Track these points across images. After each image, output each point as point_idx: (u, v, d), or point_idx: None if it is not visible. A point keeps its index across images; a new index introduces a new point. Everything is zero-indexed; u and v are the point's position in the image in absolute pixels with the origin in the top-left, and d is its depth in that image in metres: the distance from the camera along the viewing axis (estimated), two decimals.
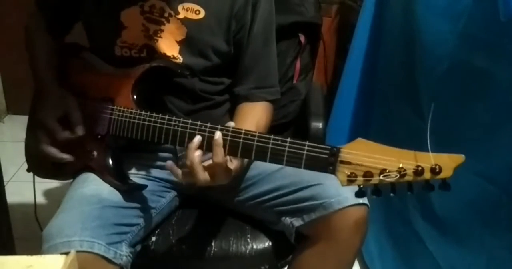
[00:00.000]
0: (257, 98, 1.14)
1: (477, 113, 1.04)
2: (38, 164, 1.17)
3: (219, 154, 0.86)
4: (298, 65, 1.48)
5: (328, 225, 0.99)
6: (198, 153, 0.87)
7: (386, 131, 1.50)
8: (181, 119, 0.92)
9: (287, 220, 1.06)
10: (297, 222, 1.04)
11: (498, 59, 0.98)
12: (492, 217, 1.02)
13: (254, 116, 1.10)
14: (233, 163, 0.90)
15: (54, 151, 1.05)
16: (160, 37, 1.07)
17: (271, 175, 1.08)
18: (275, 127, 1.37)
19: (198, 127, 0.90)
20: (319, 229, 1.01)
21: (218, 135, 0.86)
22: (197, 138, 0.88)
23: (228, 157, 0.89)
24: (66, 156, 1.05)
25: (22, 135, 1.19)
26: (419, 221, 1.28)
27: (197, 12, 1.07)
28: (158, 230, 1.12)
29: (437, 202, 1.19)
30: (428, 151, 0.74)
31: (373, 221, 1.05)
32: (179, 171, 0.90)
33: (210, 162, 0.87)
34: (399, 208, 1.40)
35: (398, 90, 1.43)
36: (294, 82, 1.49)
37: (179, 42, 1.08)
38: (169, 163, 0.91)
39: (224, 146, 0.87)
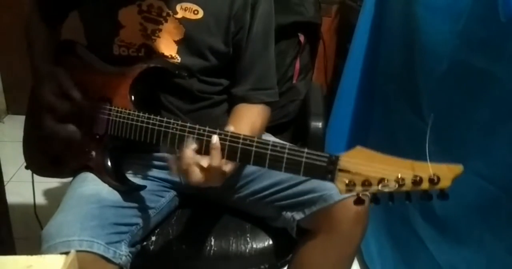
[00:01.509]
0: (254, 99, 1.13)
1: (477, 113, 1.04)
2: (37, 160, 1.17)
3: (216, 158, 0.86)
4: (297, 64, 1.48)
5: (329, 217, 0.99)
6: (194, 154, 0.86)
7: (386, 131, 1.50)
8: (179, 122, 0.92)
9: (288, 214, 1.06)
10: (298, 215, 1.04)
11: (498, 59, 0.98)
12: (492, 217, 1.02)
13: (249, 118, 1.09)
14: (228, 166, 0.89)
15: (57, 125, 1.03)
16: (158, 36, 1.07)
17: (270, 170, 1.08)
18: (275, 127, 1.38)
19: (196, 131, 0.90)
20: (320, 221, 1.01)
21: (215, 139, 0.86)
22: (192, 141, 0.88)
23: (224, 160, 0.88)
24: (72, 129, 1.04)
25: (22, 135, 1.19)
26: (419, 221, 1.28)
27: (196, 12, 1.06)
28: (158, 230, 1.12)
29: (437, 202, 1.18)
30: (426, 159, 0.73)
31: (373, 220, 1.05)
32: (174, 167, 0.89)
33: (206, 163, 0.87)
34: (399, 208, 1.40)
35: (398, 90, 1.43)
36: (294, 81, 1.49)
37: (177, 42, 1.07)
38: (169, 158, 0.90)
39: (222, 151, 0.86)
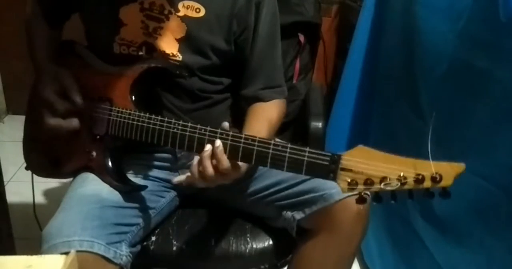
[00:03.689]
0: (266, 98, 1.14)
1: (477, 113, 1.04)
2: (37, 161, 1.17)
3: (224, 161, 0.87)
4: (297, 64, 1.49)
5: (329, 217, 0.99)
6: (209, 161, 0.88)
7: (386, 131, 1.50)
8: (181, 122, 0.92)
9: (288, 214, 1.06)
10: (298, 215, 1.04)
11: (498, 59, 0.98)
12: (492, 217, 1.02)
13: (267, 115, 1.10)
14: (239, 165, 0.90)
15: (57, 121, 1.02)
16: (160, 34, 1.07)
17: (270, 170, 1.08)
18: None
19: (197, 130, 0.90)
20: (321, 221, 1.01)
21: (218, 143, 0.86)
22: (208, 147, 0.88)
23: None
24: (73, 124, 1.02)
25: (22, 135, 1.19)
26: (419, 221, 1.28)
27: (198, 10, 1.07)
28: (158, 230, 1.12)
29: (437, 202, 1.18)
30: (428, 157, 0.73)
31: (373, 221, 1.05)
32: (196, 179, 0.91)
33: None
34: (398, 208, 1.40)
35: (398, 90, 1.42)
36: (294, 81, 1.49)
37: (178, 40, 1.07)
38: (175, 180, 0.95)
39: (223, 150, 0.87)
